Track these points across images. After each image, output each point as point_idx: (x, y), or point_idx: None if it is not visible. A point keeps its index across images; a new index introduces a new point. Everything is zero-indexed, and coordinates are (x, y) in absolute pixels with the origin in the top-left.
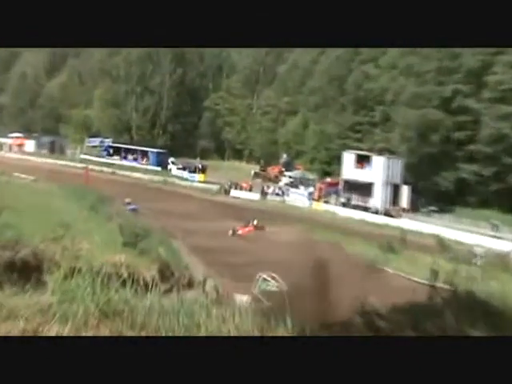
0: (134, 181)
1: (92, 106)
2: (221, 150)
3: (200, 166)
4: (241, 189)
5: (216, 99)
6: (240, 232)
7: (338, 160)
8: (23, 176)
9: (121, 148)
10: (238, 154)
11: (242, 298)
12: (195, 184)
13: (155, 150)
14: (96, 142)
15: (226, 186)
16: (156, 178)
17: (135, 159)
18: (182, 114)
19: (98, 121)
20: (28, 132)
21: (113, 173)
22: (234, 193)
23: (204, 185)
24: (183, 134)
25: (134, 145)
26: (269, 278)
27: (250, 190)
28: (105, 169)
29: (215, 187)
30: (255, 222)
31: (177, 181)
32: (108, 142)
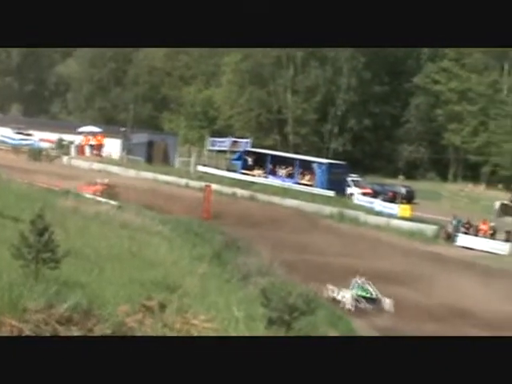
0: (287, 212)
1: (219, 82)
2: (441, 164)
3: (403, 191)
4: (477, 233)
5: (434, 73)
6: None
7: None
8: (101, 200)
9: (266, 156)
10: (472, 172)
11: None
12: (394, 222)
13: (325, 161)
14: (224, 144)
15: (451, 228)
16: (326, 209)
17: (290, 175)
18: (374, 100)
19: (229, 108)
20: (109, 125)
21: (252, 198)
22: (464, 240)
23: (409, 223)
24: (374, 133)
25: (288, 151)
26: (368, 286)
27: (493, 236)
28: (239, 191)
29: (431, 228)
30: (106, 181)
31: (362, 215)
32: (245, 144)
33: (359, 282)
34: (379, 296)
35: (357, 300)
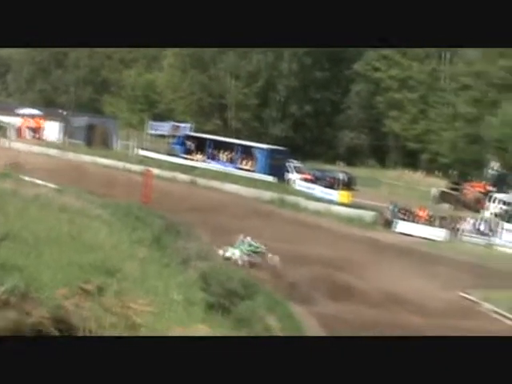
0: (228, 197)
1: (161, 66)
2: (380, 151)
3: (343, 178)
4: (414, 219)
5: (375, 61)
6: None
7: None
8: (40, 183)
9: (207, 140)
10: (410, 159)
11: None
12: (333, 208)
13: (265, 147)
14: (165, 128)
15: (389, 214)
16: (267, 194)
17: (231, 160)
18: (315, 86)
19: (171, 92)
20: (49, 108)
21: (192, 182)
22: (401, 226)
23: (349, 210)
24: (315, 119)
25: (229, 136)
26: (253, 242)
27: (431, 223)
28: (179, 175)
29: (369, 214)
30: None
31: (302, 201)
32: (186, 129)
33: (245, 240)
34: (265, 251)
35: (246, 255)
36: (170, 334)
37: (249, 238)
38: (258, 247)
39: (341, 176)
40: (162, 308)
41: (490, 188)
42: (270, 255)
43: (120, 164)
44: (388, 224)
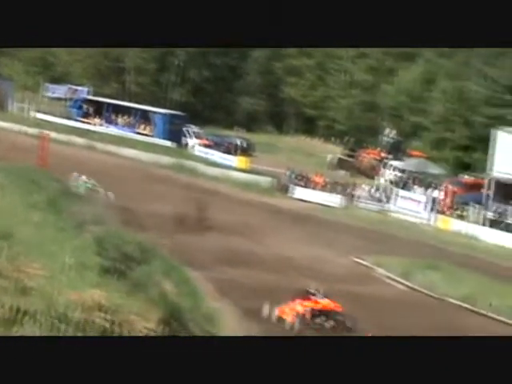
0: (125, 162)
1: None
2: (278, 117)
3: (241, 144)
4: (311, 185)
5: None
6: None
7: (485, 144)
8: None
9: (104, 104)
10: (308, 126)
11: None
12: (231, 173)
13: (164, 111)
14: (62, 91)
15: (286, 180)
16: (164, 159)
17: (129, 125)
18: (214, 51)
19: (67, 54)
20: None
21: (89, 147)
22: (298, 192)
23: (246, 175)
24: (214, 85)
25: (128, 100)
26: (87, 180)
27: (327, 189)
28: (76, 139)
29: (266, 180)
30: None
31: (200, 166)
32: (83, 92)
33: (79, 178)
34: (101, 189)
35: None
36: (63, 300)
37: (84, 177)
38: (94, 184)
39: (239, 142)
40: (55, 272)
41: (385, 155)
42: (105, 192)
43: (16, 127)
44: (285, 190)
